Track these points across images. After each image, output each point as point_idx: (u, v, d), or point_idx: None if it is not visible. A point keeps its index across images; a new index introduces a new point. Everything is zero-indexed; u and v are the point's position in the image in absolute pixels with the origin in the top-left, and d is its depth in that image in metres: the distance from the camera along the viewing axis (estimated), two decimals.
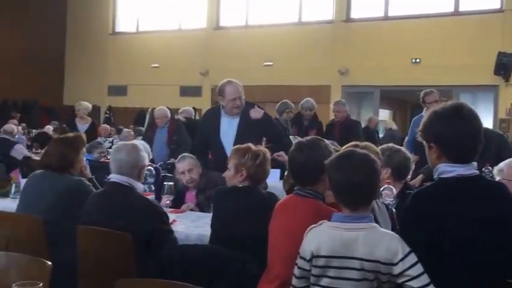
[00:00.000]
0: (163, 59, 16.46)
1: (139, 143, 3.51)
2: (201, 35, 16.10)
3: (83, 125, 8.92)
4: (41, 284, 1.48)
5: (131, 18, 17.91)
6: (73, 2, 18.54)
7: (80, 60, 18.06)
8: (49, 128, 11.84)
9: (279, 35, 14.61)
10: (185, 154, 4.75)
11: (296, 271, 2.32)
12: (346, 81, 13.93)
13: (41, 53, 16.86)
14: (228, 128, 4.94)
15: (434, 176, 2.39)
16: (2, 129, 8.56)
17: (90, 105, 9.34)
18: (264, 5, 15.42)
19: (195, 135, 5.76)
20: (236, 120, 4.94)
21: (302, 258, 2.29)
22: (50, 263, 2.35)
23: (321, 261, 2.23)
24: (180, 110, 9.32)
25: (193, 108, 15.84)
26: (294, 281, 2.33)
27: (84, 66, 17.94)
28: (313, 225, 2.32)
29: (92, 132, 8.75)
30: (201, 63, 15.70)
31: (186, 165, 4.58)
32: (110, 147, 8.15)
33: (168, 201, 4.06)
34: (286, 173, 3.76)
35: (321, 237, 2.25)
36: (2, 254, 2.16)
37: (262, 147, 3.45)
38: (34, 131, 12.76)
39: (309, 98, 8.06)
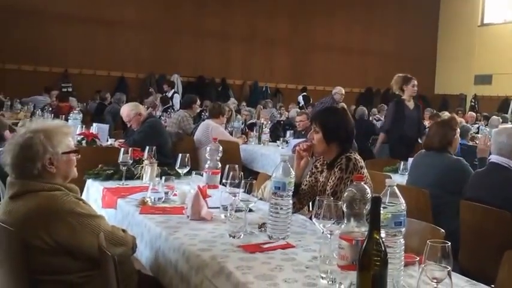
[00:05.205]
0: None
1: None
2: None
3: None
4: (449, 244, 1.61)
5: (499, 9, 17.49)
6: None
7: (450, 52, 18.28)
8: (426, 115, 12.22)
9: None
10: None
11: None
12: None
13: (414, 47, 17.64)
14: None
15: None
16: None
17: None
18: None
19: None
20: None
21: None
22: (442, 230, 2.54)
23: None
24: None
25: None
26: None
27: (453, 57, 18.09)
28: None
29: None
30: None
31: None
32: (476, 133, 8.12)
33: None
34: None
35: None
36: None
37: None
38: None
39: None
